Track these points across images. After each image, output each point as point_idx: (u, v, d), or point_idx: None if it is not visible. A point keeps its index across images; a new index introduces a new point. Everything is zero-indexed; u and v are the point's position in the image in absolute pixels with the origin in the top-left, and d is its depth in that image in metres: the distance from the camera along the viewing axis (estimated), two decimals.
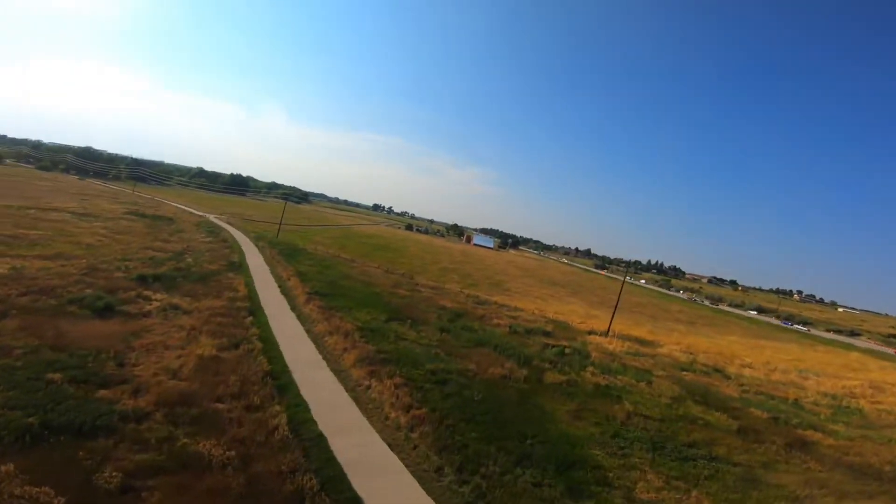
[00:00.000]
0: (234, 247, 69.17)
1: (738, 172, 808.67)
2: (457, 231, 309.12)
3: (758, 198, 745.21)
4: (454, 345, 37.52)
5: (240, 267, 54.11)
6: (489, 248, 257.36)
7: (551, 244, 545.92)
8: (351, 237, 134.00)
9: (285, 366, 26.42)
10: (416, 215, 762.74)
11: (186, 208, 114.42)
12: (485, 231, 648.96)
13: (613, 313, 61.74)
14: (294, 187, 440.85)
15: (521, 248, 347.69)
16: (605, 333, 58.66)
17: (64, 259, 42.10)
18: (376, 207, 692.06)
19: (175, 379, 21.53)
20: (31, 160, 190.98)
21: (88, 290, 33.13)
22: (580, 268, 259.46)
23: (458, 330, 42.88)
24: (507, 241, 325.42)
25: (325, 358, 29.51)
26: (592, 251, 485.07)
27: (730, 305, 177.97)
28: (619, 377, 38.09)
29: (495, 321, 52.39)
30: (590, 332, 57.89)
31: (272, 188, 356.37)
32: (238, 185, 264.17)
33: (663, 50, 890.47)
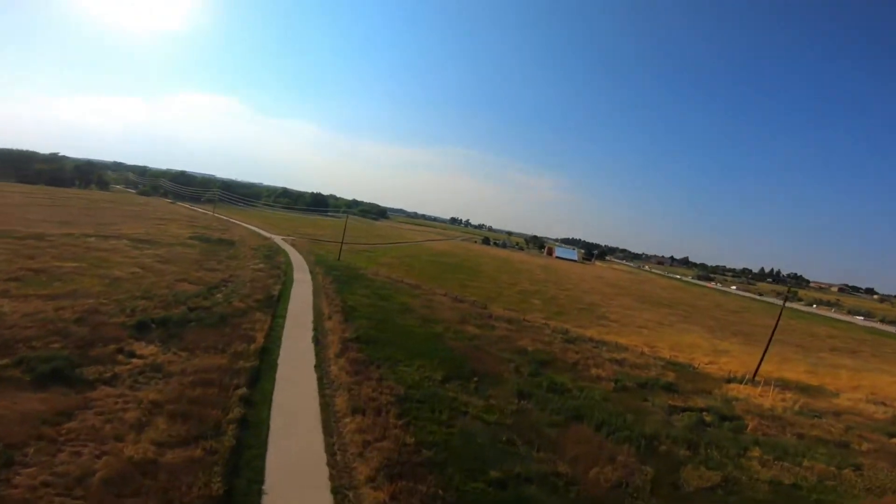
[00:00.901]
0: (285, 273, 61.91)
1: (871, 157, 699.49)
2: (537, 243, 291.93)
3: None
4: (537, 420, 26.03)
5: (278, 301, 45.72)
6: (573, 260, 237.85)
7: (640, 252, 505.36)
8: (421, 255, 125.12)
9: (258, 487, 16.00)
10: (494, 227, 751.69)
11: (258, 230, 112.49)
12: (566, 241, 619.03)
13: (764, 352, 45.04)
14: (374, 204, 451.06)
15: (608, 258, 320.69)
16: (752, 380, 42.89)
17: (72, 298, 35.52)
18: (454, 221, 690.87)
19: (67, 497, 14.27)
20: (136, 185, 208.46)
21: (56, 345, 25.80)
22: (681, 280, 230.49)
23: (542, 392, 30.62)
24: (592, 252, 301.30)
25: (330, 464, 18.95)
26: (691, 259, 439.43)
27: (883, 322, 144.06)
28: (804, 462, 23.82)
29: (594, 371, 39.10)
30: (729, 380, 42.66)
31: (352, 206, 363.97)
32: (318, 204, 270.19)
33: (773, 38, 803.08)
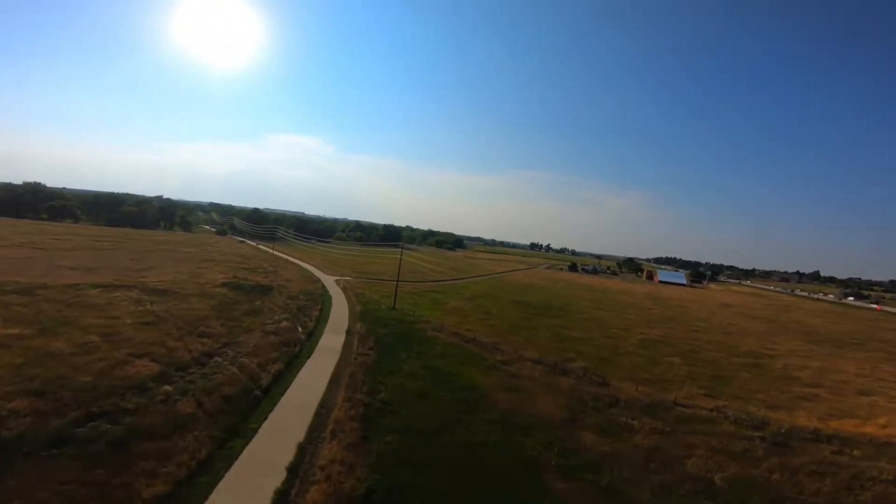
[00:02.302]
0: (311, 335, 44.78)
1: None
2: (631, 267, 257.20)
3: None
4: None
5: (264, 395, 27.82)
6: (681, 284, 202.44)
7: (750, 268, 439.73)
8: (501, 292, 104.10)
9: None
10: (577, 251, 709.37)
11: (313, 270, 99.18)
12: (661, 261, 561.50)
13: None
14: (449, 233, 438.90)
15: (719, 279, 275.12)
16: None
17: None
18: (534, 246, 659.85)
19: None
20: (216, 224, 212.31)
21: None
22: (832, 302, 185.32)
23: None
24: (702, 273, 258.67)
25: None
26: (823, 273, 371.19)
27: None
28: None
29: None
30: None
31: (427, 236, 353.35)
32: (391, 236, 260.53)
33: None
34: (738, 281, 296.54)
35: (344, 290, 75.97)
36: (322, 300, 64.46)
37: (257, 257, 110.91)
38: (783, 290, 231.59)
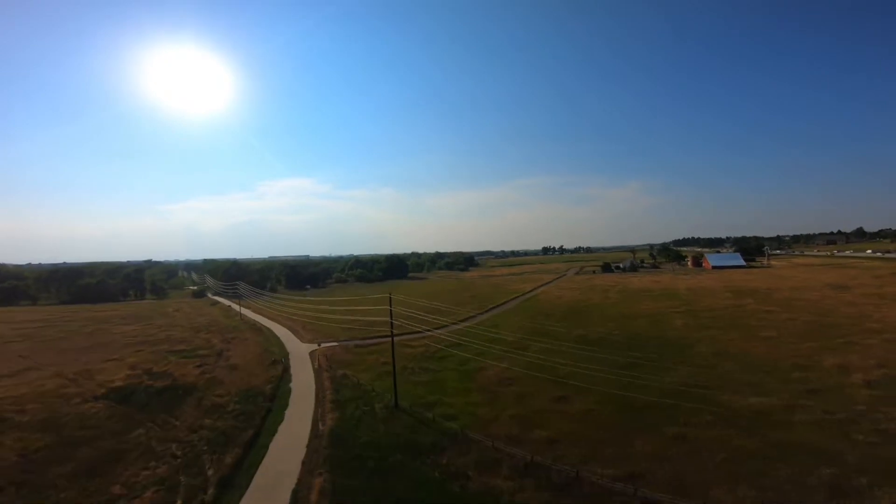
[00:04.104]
0: None
1: None
2: (670, 255, 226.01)
3: None
4: None
5: None
6: (740, 266, 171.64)
7: (794, 234, 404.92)
8: (548, 324, 74.92)
9: None
10: (591, 247, 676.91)
11: (287, 335, 70.87)
12: (681, 243, 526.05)
13: None
14: (459, 253, 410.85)
15: (771, 253, 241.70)
16: None
17: None
18: (546, 250, 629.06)
19: None
20: (197, 285, 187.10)
21: None
22: None
23: None
24: (757, 249, 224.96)
25: None
26: (865, 229, 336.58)
27: None
28: None
29: None
30: None
31: (436, 259, 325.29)
32: (395, 267, 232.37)
33: None
34: (788, 251, 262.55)
35: (318, 371, 47.19)
36: (267, 409, 35.86)
37: (214, 327, 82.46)
38: (856, 254, 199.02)
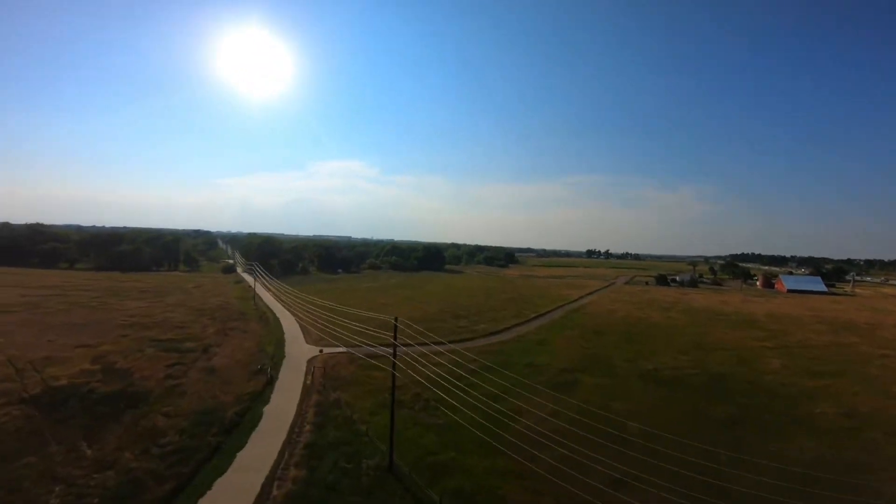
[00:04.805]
0: None
1: None
2: (736, 271, 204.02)
3: None
4: None
5: None
6: (821, 292, 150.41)
7: (845, 258, 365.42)
8: (607, 354, 62.35)
9: None
10: (640, 254, 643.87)
11: (293, 329, 61.82)
12: (741, 258, 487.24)
13: None
14: (500, 248, 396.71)
15: (855, 278, 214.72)
16: None
17: None
18: (591, 253, 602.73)
19: None
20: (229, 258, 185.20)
21: None
22: None
23: None
24: (837, 273, 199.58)
25: None
26: None
27: None
28: None
29: None
30: None
31: (475, 252, 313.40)
32: (432, 257, 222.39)
33: None
34: (870, 278, 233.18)
35: (307, 389, 37.04)
36: (215, 448, 25.88)
37: (220, 312, 74.51)
38: None
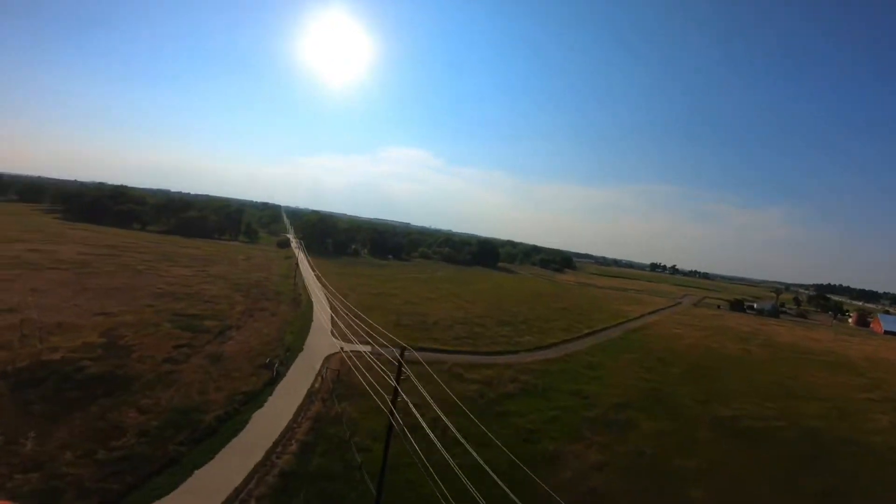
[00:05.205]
0: None
1: None
2: (824, 304, 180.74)
3: None
4: None
5: None
6: None
7: None
8: (654, 370, 53.38)
9: None
10: (709, 273, 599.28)
11: (323, 313, 57.94)
12: (833, 289, 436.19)
13: None
14: (557, 250, 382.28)
15: None
16: None
17: None
18: (655, 267, 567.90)
19: None
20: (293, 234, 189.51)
21: None
22: None
23: None
24: None
25: None
26: None
27: None
28: None
29: None
30: None
31: (531, 252, 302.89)
32: (486, 253, 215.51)
33: None
34: None
35: (310, 395, 32.03)
36: (167, 462, 21.15)
37: (257, 289, 72.28)
38: None
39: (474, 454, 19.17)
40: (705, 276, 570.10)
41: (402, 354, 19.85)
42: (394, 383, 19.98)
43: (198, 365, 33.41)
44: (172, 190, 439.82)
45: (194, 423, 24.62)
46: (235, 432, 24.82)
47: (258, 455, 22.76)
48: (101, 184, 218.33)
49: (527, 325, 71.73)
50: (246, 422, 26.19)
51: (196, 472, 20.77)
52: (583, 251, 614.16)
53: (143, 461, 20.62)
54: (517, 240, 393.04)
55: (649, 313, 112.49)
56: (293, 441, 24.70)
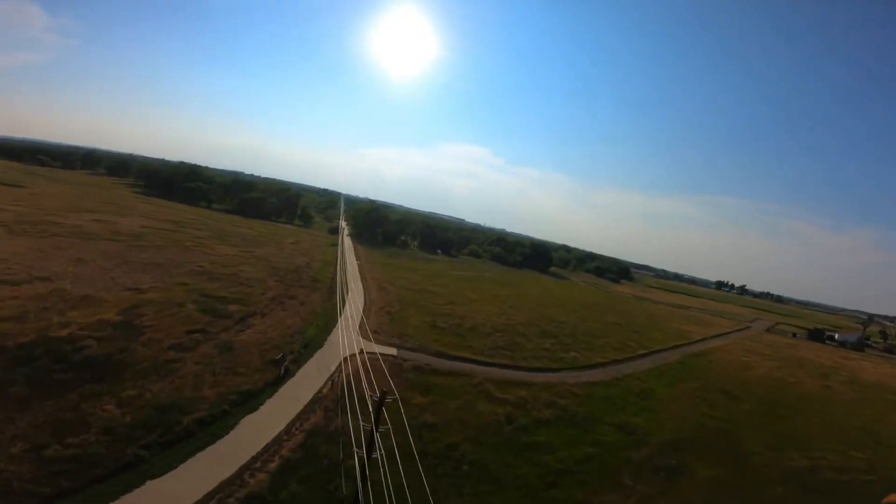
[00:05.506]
0: None
1: None
2: None
3: None
4: None
5: None
6: None
7: None
8: (717, 404, 46.09)
9: None
10: (783, 296, 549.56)
11: (356, 303, 55.35)
12: None
13: None
14: (614, 259, 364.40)
15: None
16: None
17: None
18: (720, 285, 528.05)
19: None
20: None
21: None
22: None
23: None
24: None
25: None
26: None
27: None
28: None
29: None
30: None
31: (586, 259, 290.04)
32: (538, 256, 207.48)
33: None
34: None
35: (311, 404, 28.71)
36: (97, 479, 18.24)
37: (294, 274, 70.97)
38: None
39: None
40: (778, 299, 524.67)
41: (381, 402, 15.75)
42: (373, 428, 15.90)
43: (204, 354, 31.25)
44: (246, 172, 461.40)
45: (170, 423, 21.97)
46: (215, 438, 21.93)
47: (229, 469, 19.63)
48: (181, 163, 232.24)
49: (573, 338, 65.73)
50: (232, 427, 23.31)
51: (149, 482, 17.94)
52: (641, 262, 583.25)
53: (93, 463, 18.08)
54: (572, 244, 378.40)
55: (714, 336, 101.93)
56: (276, 457, 21.43)
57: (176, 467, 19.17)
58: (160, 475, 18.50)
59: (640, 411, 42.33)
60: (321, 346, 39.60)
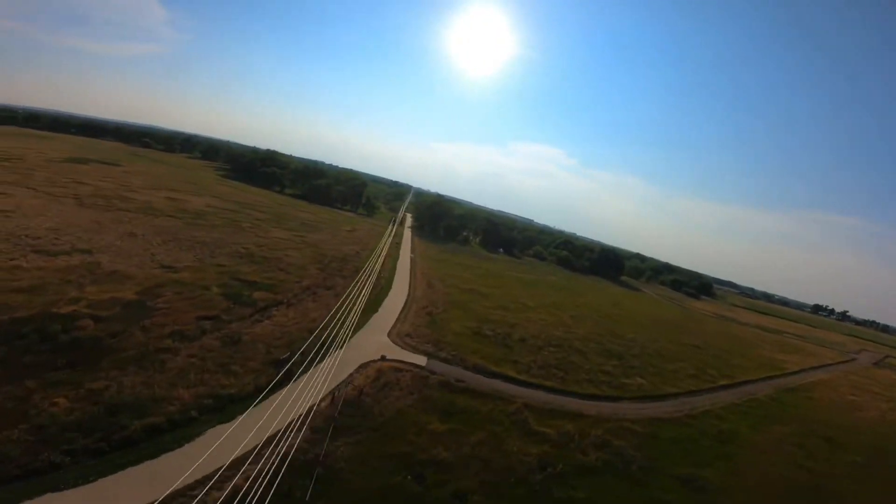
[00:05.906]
0: None
1: None
2: None
3: None
4: None
5: None
6: None
7: None
8: (818, 453, 36.12)
9: None
10: (889, 326, 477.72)
11: (398, 298, 51.32)
12: None
13: None
14: (693, 272, 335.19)
15: None
16: None
17: None
18: (817, 309, 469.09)
19: None
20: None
21: None
22: None
23: None
24: None
25: None
26: None
27: None
28: None
29: None
30: None
31: (662, 270, 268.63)
32: (608, 263, 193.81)
33: None
34: None
35: (299, 425, 24.32)
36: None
37: (338, 263, 68.24)
38: None
39: None
40: (884, 328, 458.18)
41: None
42: None
43: (203, 346, 28.16)
44: (326, 161, 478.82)
45: (115, 427, 18.46)
46: (160, 451, 18.13)
47: (156, 492, 15.58)
48: (269, 151, 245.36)
49: (641, 360, 57.23)
50: (190, 438, 19.49)
51: (49, 494, 14.27)
52: (724, 277, 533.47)
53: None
54: (647, 254, 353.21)
55: (813, 369, 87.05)
56: (226, 487, 17.15)
57: (91, 482, 15.49)
58: (65, 489, 14.90)
59: (715, 460, 34.30)
60: (342, 345, 35.54)
